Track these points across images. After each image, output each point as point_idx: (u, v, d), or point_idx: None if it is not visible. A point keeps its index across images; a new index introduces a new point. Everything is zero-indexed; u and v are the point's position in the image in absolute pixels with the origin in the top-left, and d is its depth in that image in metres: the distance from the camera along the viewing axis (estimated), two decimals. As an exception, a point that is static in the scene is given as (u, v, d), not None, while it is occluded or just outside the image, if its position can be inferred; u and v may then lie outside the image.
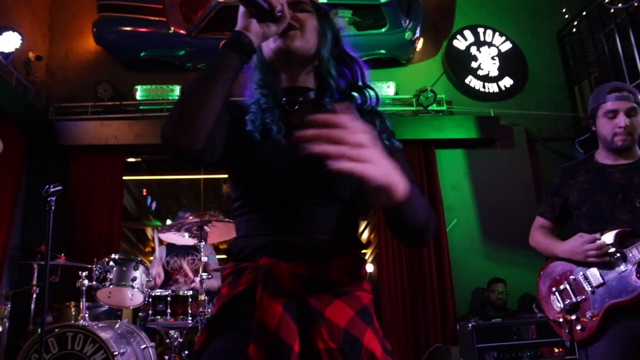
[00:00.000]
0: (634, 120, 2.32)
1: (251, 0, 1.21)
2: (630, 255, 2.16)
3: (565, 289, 2.33)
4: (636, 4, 5.49)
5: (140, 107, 6.30)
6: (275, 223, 1.28)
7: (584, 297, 2.25)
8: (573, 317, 2.25)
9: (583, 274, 2.27)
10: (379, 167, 0.96)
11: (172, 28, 6.03)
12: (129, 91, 6.32)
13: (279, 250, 1.23)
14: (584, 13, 6.53)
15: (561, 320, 2.28)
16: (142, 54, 6.27)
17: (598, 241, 2.21)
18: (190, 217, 4.13)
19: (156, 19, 6.05)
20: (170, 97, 6.33)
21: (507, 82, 6.73)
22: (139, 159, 6.68)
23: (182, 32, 6.00)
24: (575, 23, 6.74)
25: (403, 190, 1.03)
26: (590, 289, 2.23)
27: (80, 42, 6.60)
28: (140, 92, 6.32)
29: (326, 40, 1.39)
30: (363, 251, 1.47)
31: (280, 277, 1.17)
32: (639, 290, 2.09)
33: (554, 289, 2.38)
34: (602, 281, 2.21)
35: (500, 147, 6.39)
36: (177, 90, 6.33)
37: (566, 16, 6.88)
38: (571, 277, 2.32)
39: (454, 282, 5.79)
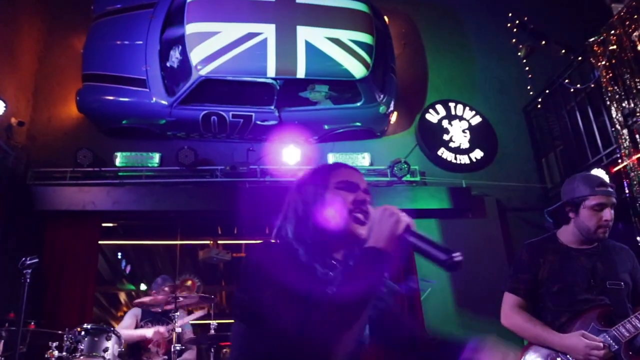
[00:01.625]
0: (613, 214, 2.48)
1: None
2: (618, 334, 2.27)
3: None
4: (592, 85, 5.87)
5: (119, 174, 6.38)
6: None
7: None
8: None
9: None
10: None
11: (154, 98, 6.22)
12: (108, 158, 6.41)
13: None
14: (547, 91, 6.94)
15: None
16: (123, 122, 6.41)
17: (600, 351, 2.25)
18: (165, 288, 4.15)
19: (138, 89, 6.23)
20: (149, 164, 6.43)
21: (477, 154, 7.01)
22: (116, 224, 6.69)
23: (163, 102, 6.19)
24: (540, 100, 7.14)
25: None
26: None
27: (63, 109, 6.74)
28: (119, 159, 6.41)
29: None
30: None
31: None
32: None
33: None
34: None
35: (472, 217, 6.57)
36: (156, 157, 6.45)
37: (531, 93, 7.29)
38: (558, 359, 2.37)
39: (429, 352, 5.78)
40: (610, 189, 2.50)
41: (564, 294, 2.43)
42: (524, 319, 2.51)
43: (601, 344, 2.27)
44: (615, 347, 2.26)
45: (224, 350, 7.20)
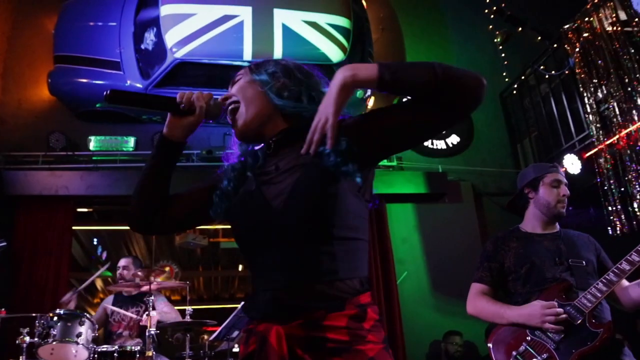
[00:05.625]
0: (568, 192, 2.65)
1: (150, 102, 1.45)
2: (580, 305, 2.33)
3: (526, 350, 2.37)
4: (567, 72, 5.93)
5: (94, 158, 6.27)
6: (267, 277, 1.26)
7: (547, 354, 2.31)
8: None
9: (541, 332, 2.36)
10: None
11: (128, 81, 6.11)
12: (82, 141, 6.30)
13: (274, 311, 1.20)
14: (522, 77, 7.00)
15: None
16: (97, 105, 6.29)
17: (556, 309, 2.31)
18: (133, 271, 4.11)
19: (112, 72, 6.12)
20: (124, 149, 6.34)
21: (454, 139, 7.05)
22: (91, 209, 6.60)
23: (138, 85, 6.08)
24: (515, 86, 7.20)
25: (365, 72, 1.20)
26: (553, 345, 2.32)
27: (34, 91, 6.58)
28: (94, 143, 6.30)
29: (273, 90, 1.38)
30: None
31: (275, 343, 1.15)
32: (599, 334, 2.26)
33: (514, 353, 2.39)
34: (562, 335, 2.31)
35: (449, 201, 6.62)
36: (131, 141, 6.35)
37: (507, 79, 7.34)
38: (527, 337, 2.39)
39: (406, 335, 5.86)
40: (563, 172, 2.71)
41: (532, 274, 2.50)
42: (486, 301, 2.57)
43: (555, 304, 2.34)
44: (579, 319, 2.31)
45: (202, 335, 7.21)
